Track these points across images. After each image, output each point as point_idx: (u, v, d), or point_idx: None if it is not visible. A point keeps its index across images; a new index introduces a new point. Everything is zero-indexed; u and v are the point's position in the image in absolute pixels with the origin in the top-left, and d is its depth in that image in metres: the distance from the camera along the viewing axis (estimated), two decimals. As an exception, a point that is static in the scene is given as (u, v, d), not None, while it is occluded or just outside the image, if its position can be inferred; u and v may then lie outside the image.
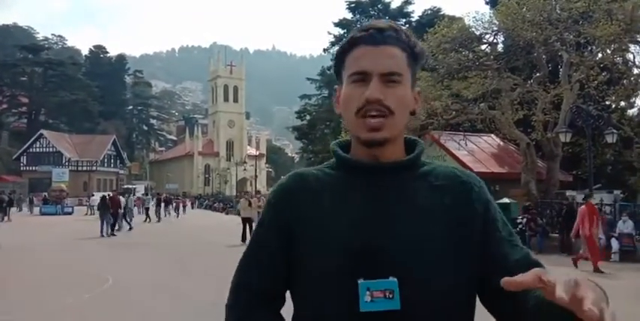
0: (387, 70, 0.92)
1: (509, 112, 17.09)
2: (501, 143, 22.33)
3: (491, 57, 18.09)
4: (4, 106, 63.77)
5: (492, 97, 17.87)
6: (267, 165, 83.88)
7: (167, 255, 12.51)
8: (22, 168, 54.77)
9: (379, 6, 39.75)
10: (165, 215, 29.55)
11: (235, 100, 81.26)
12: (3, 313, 6.40)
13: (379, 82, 0.91)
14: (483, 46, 18.92)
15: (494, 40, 18.91)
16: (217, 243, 14.99)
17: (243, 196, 16.49)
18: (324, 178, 0.98)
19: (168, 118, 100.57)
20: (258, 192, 26.76)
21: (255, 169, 50.15)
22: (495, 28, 18.15)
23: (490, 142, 22.51)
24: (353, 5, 40.17)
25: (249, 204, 15.63)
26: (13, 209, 30.11)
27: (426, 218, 0.90)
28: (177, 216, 32.32)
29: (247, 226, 14.87)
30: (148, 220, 25.89)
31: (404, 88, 0.94)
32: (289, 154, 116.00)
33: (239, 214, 16.70)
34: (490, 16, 18.55)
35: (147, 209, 27.16)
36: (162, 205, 28.73)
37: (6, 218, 26.63)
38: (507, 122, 17.20)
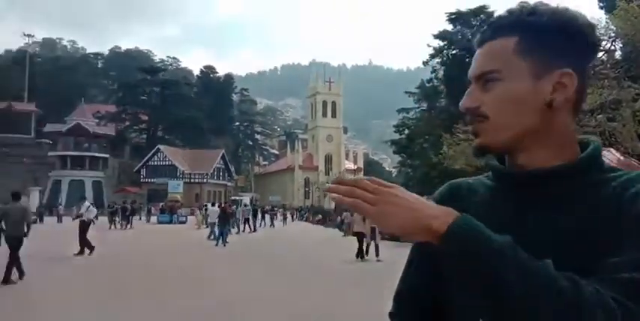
0: (477, 72, 0.83)
1: (630, 124, 15.80)
2: (622, 158, 20.60)
3: (608, 65, 16.91)
4: (127, 123, 70.34)
5: (611, 108, 16.64)
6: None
7: (279, 267, 12.60)
8: (141, 180, 59.88)
9: (481, 16, 38.69)
10: (262, 225, 30.84)
11: (333, 115, 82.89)
12: (125, 310, 7.08)
13: (475, 87, 0.83)
14: (599, 54, 17.76)
15: (612, 48, 17.68)
16: (328, 257, 14.95)
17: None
18: (477, 188, 0.91)
19: (271, 134, 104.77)
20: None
21: (355, 183, 50.39)
22: (612, 35, 16.98)
23: (610, 157, 20.84)
24: (454, 16, 39.44)
25: (364, 218, 15.15)
26: (135, 218, 33.00)
27: (583, 236, 0.74)
28: (272, 226, 33.27)
29: (361, 241, 14.29)
30: (248, 229, 27.10)
31: (506, 84, 0.80)
32: (387, 169, 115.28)
33: (339, 228, 16.88)
34: (606, 22, 17.39)
35: (247, 220, 28.22)
36: (260, 215, 30.02)
37: (129, 226, 29.31)
38: (629, 135, 15.89)
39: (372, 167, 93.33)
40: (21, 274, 9.33)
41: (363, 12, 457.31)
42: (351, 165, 77.19)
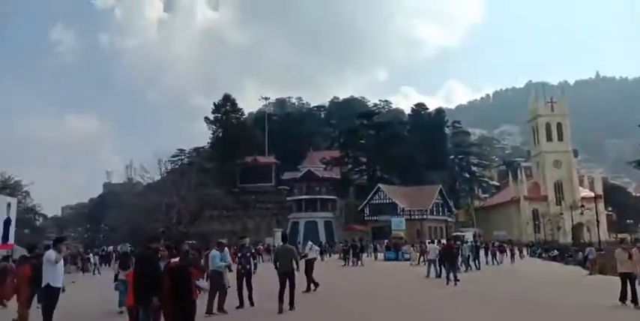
0: None
1: None
2: None
3: None
4: (350, 165, 75.62)
5: None
6: (607, 208, 74.14)
7: (515, 311, 12.04)
8: (366, 218, 63.16)
9: None
10: (488, 263, 29.20)
11: (560, 138, 75.91)
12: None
13: None
14: None
15: None
16: (578, 300, 13.34)
17: (618, 245, 13.31)
18: None
19: (488, 164, 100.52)
20: (636, 241, 22.66)
21: (596, 213, 44.86)
22: None
23: None
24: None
25: (630, 256, 12.08)
26: (363, 255, 34.85)
27: None
28: (500, 263, 31.18)
29: (627, 284, 11.94)
30: (468, 268, 24.81)
31: None
32: (633, 194, 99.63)
33: (582, 265, 15.23)
34: None
35: (468, 257, 25.87)
36: (484, 252, 28.36)
37: (359, 263, 31.16)
38: None
39: (613, 193, 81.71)
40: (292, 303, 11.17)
41: (579, 22, 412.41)
42: (587, 192, 68.98)
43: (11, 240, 27.29)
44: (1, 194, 38.48)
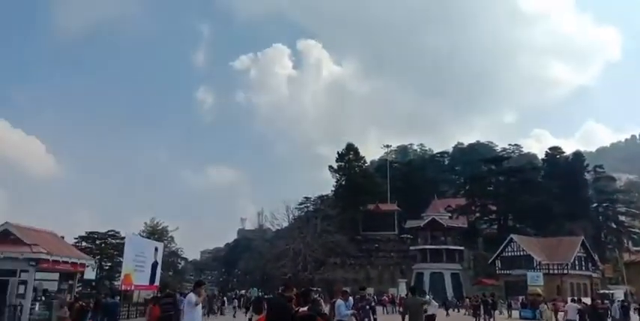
0: None
1: None
2: None
3: None
4: (477, 214, 72.17)
5: None
6: None
7: None
8: (497, 271, 59.03)
9: None
10: None
11: None
12: None
13: None
14: None
15: None
16: None
17: None
18: None
19: (639, 213, 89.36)
20: None
21: None
22: None
23: None
24: None
25: None
26: (496, 312, 32.43)
27: None
28: None
29: None
30: None
31: None
32: None
33: None
34: None
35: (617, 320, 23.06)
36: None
37: (492, 320, 29.00)
38: None
39: None
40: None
41: None
42: None
43: (157, 281, 30.13)
44: (150, 239, 42.82)
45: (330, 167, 79.20)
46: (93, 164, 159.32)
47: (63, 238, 36.40)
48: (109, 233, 60.12)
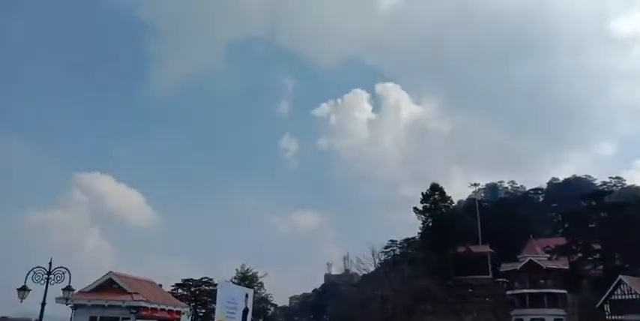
0: None
1: None
2: None
3: None
4: (579, 254, 66.82)
5: None
6: None
7: None
8: (607, 317, 53.74)
9: None
10: None
11: None
12: None
13: None
14: None
15: None
16: None
17: None
18: None
19: None
20: None
21: None
22: None
23: None
24: None
25: None
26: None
27: None
28: None
29: None
30: None
31: None
32: None
33: None
34: None
35: None
36: None
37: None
38: None
39: None
40: None
41: None
42: None
43: (247, 328, 30.89)
44: (241, 286, 44.17)
45: (415, 209, 77.69)
46: (187, 213, 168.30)
47: (161, 285, 38.71)
48: (203, 280, 62.58)
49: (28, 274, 18.93)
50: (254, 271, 63.10)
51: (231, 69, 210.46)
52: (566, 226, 72.13)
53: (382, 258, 68.52)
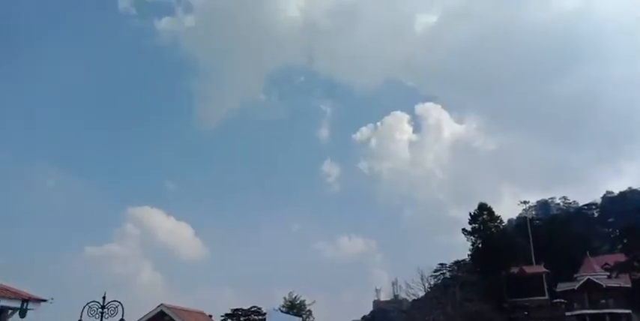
0: None
1: None
2: None
3: None
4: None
5: None
6: None
7: None
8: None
9: None
10: None
11: None
12: None
13: None
14: None
15: None
16: None
17: None
18: None
19: None
20: None
21: None
22: None
23: None
24: None
25: None
26: None
27: None
28: None
29: None
30: None
31: None
32: None
33: None
34: None
35: None
36: None
37: None
38: None
39: None
40: None
41: None
42: None
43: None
44: (289, 314, 44.19)
45: (464, 230, 75.78)
46: (234, 243, 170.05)
47: (211, 316, 39.29)
48: (252, 309, 62.85)
49: (83, 309, 19.81)
50: (302, 298, 62.87)
51: (271, 99, 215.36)
52: (625, 241, 68.69)
53: (432, 282, 66.94)
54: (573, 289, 57.09)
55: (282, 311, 47.77)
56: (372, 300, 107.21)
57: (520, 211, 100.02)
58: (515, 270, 66.14)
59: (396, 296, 73.96)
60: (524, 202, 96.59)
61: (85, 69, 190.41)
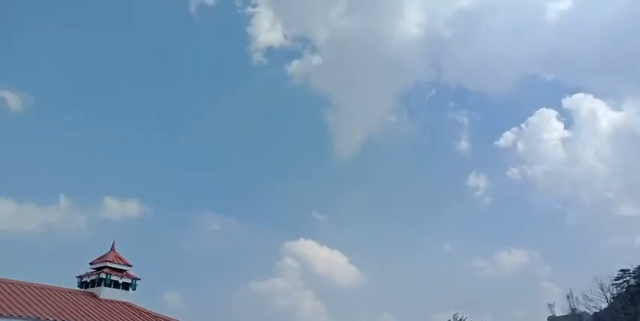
0: None
1: None
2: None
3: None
4: None
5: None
6: None
7: None
8: None
9: None
10: None
11: None
12: None
13: None
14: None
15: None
16: None
17: None
18: None
19: None
20: None
21: None
22: None
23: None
24: None
25: None
26: None
27: None
28: None
29: None
30: None
31: None
32: None
33: None
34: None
35: None
36: None
37: None
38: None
39: None
40: None
41: None
42: None
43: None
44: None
45: (643, 229, 66.80)
46: (387, 268, 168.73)
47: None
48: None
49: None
50: (468, 319, 59.92)
51: (402, 118, 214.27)
52: None
53: (614, 292, 59.28)
54: None
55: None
56: (547, 316, 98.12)
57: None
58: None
59: (573, 310, 66.68)
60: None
61: (233, 119, 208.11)
